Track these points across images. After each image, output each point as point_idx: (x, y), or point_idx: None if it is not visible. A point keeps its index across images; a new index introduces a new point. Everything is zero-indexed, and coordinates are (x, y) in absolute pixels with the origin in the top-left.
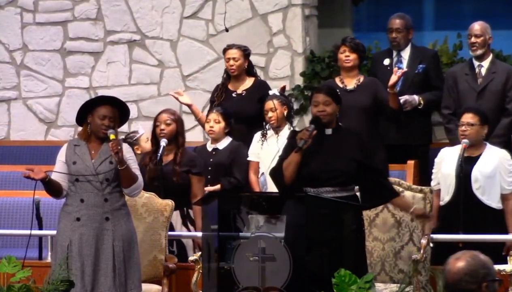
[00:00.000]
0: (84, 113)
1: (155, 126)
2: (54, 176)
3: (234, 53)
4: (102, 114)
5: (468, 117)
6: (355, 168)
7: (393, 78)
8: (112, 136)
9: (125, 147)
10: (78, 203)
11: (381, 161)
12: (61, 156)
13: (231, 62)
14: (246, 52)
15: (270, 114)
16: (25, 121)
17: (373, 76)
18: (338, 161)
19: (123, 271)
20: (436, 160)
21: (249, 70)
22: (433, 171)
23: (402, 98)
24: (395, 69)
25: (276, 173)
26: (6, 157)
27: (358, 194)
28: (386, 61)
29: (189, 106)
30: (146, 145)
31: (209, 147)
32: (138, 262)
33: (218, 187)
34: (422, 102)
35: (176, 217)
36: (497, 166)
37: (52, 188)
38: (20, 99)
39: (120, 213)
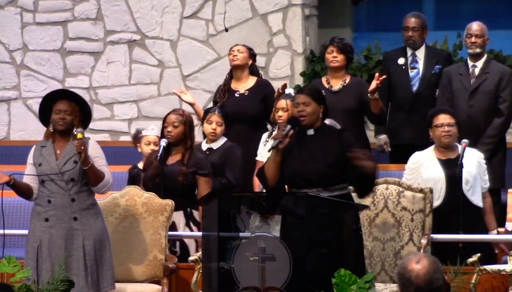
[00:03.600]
0: (49, 113)
1: (163, 126)
2: (25, 179)
3: (239, 47)
4: (57, 109)
5: (447, 118)
6: (333, 167)
7: (373, 84)
8: (79, 135)
9: (92, 144)
10: (46, 204)
11: None
12: (30, 158)
13: (235, 52)
14: (251, 51)
15: (280, 113)
16: (25, 121)
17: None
18: (317, 162)
19: (95, 269)
20: (409, 165)
21: (253, 70)
22: (407, 176)
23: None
24: (376, 75)
25: (261, 174)
26: (6, 157)
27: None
28: (401, 61)
29: (191, 105)
30: (145, 147)
31: (204, 147)
32: (110, 260)
33: None
34: None
35: (180, 218)
36: (477, 166)
37: (21, 190)
38: (20, 99)
39: (89, 212)
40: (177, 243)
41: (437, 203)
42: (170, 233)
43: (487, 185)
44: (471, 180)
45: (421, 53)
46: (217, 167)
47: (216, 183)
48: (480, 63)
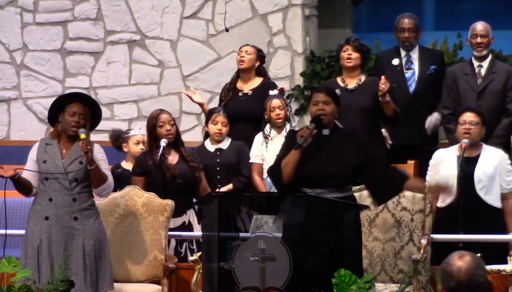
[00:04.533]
0: (57, 113)
1: (156, 126)
2: (25, 174)
3: (247, 48)
4: (72, 111)
5: (471, 117)
6: (352, 170)
7: (383, 88)
8: (82, 136)
9: (97, 147)
10: (47, 202)
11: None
12: (32, 154)
13: (243, 53)
14: (260, 53)
15: (278, 111)
16: (25, 121)
17: (380, 75)
18: (335, 163)
19: (94, 269)
20: (431, 161)
21: (260, 71)
22: (429, 173)
23: (429, 122)
24: (382, 78)
25: (275, 172)
26: (6, 157)
27: (355, 194)
28: (395, 61)
29: (201, 105)
30: (134, 147)
31: (210, 148)
32: (109, 260)
33: (230, 186)
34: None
35: (194, 216)
36: (496, 166)
37: (22, 186)
38: (20, 99)
39: (88, 212)
40: (194, 241)
41: (448, 200)
42: (170, 233)
43: (510, 186)
44: (484, 179)
45: (415, 54)
46: (233, 166)
47: (236, 182)
48: (486, 63)
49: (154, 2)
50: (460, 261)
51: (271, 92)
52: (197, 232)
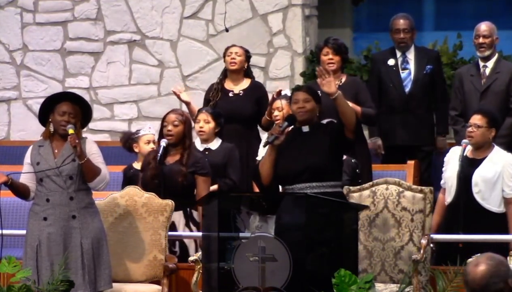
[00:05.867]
0: (47, 114)
1: (162, 126)
2: (22, 179)
3: (237, 49)
4: (62, 110)
5: (476, 119)
6: (328, 160)
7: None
8: (70, 131)
9: (89, 142)
10: (45, 203)
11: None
12: (27, 158)
13: (233, 55)
14: (247, 54)
15: (276, 113)
16: (25, 121)
17: (376, 76)
18: (311, 156)
19: (92, 268)
20: (445, 158)
21: (248, 72)
22: (443, 169)
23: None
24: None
25: (254, 172)
26: (6, 157)
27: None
28: (391, 62)
29: (187, 104)
30: (145, 146)
31: (200, 147)
32: (107, 259)
33: (215, 187)
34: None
35: (179, 218)
36: (500, 171)
37: (18, 190)
38: (20, 99)
39: (87, 211)
40: (177, 243)
41: (449, 199)
42: (170, 233)
43: None
44: (481, 184)
45: (411, 54)
46: (220, 168)
47: (221, 184)
48: (491, 63)
49: (154, 2)
50: (475, 269)
51: (282, 92)
52: (195, 232)
